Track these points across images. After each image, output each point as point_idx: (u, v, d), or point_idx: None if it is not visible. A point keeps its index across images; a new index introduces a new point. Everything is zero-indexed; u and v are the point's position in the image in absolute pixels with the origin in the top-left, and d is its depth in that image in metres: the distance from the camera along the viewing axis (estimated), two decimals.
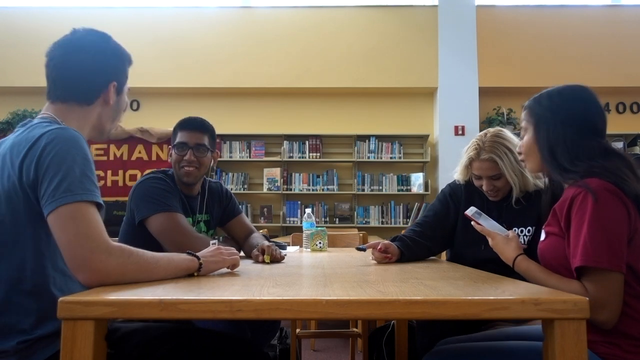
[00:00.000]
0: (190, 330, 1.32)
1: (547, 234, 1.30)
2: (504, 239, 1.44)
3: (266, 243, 1.76)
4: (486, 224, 1.55)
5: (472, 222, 1.56)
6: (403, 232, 1.94)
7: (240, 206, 2.23)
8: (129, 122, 5.73)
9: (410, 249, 1.78)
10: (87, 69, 1.24)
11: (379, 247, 1.68)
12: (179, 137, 1.90)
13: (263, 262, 1.63)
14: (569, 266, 1.18)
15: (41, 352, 1.08)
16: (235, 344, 1.33)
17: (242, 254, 1.47)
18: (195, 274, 1.20)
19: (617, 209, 1.15)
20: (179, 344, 1.22)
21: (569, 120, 1.30)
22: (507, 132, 1.84)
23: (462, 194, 1.94)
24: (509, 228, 1.81)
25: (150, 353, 1.18)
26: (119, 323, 1.28)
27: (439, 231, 1.91)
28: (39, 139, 1.08)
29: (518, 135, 1.59)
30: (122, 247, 1.06)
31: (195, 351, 1.22)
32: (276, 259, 1.66)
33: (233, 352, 1.28)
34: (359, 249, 1.83)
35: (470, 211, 1.61)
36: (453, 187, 1.98)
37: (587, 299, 0.85)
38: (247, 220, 2.20)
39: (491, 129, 1.85)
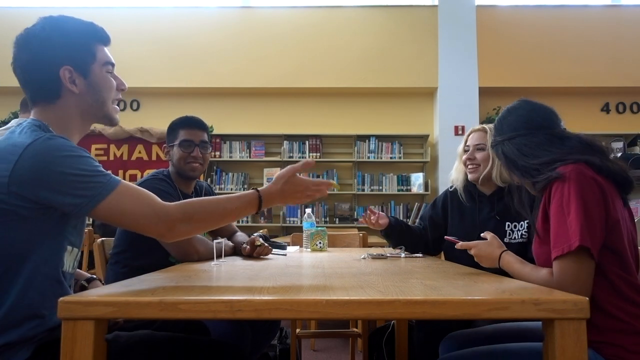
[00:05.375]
0: (188, 340, 1.30)
1: (537, 233, 1.30)
2: (485, 243, 1.41)
3: (256, 234, 1.87)
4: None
5: (456, 245, 1.51)
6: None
7: None
8: (129, 122, 5.74)
9: (402, 228, 2.01)
10: (34, 65, 1.15)
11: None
12: (184, 135, 1.96)
13: (251, 255, 1.75)
14: None
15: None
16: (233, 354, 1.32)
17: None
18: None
19: (592, 189, 1.15)
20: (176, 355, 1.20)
21: (510, 130, 1.36)
22: None
23: (455, 196, 2.05)
24: (502, 222, 1.86)
25: None
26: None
27: (433, 233, 2.06)
28: (21, 154, 1.01)
29: None
30: (178, 206, 1.14)
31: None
32: (263, 253, 1.78)
33: None
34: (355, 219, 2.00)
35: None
36: (444, 195, 2.11)
37: (587, 299, 0.84)
38: None
39: None
